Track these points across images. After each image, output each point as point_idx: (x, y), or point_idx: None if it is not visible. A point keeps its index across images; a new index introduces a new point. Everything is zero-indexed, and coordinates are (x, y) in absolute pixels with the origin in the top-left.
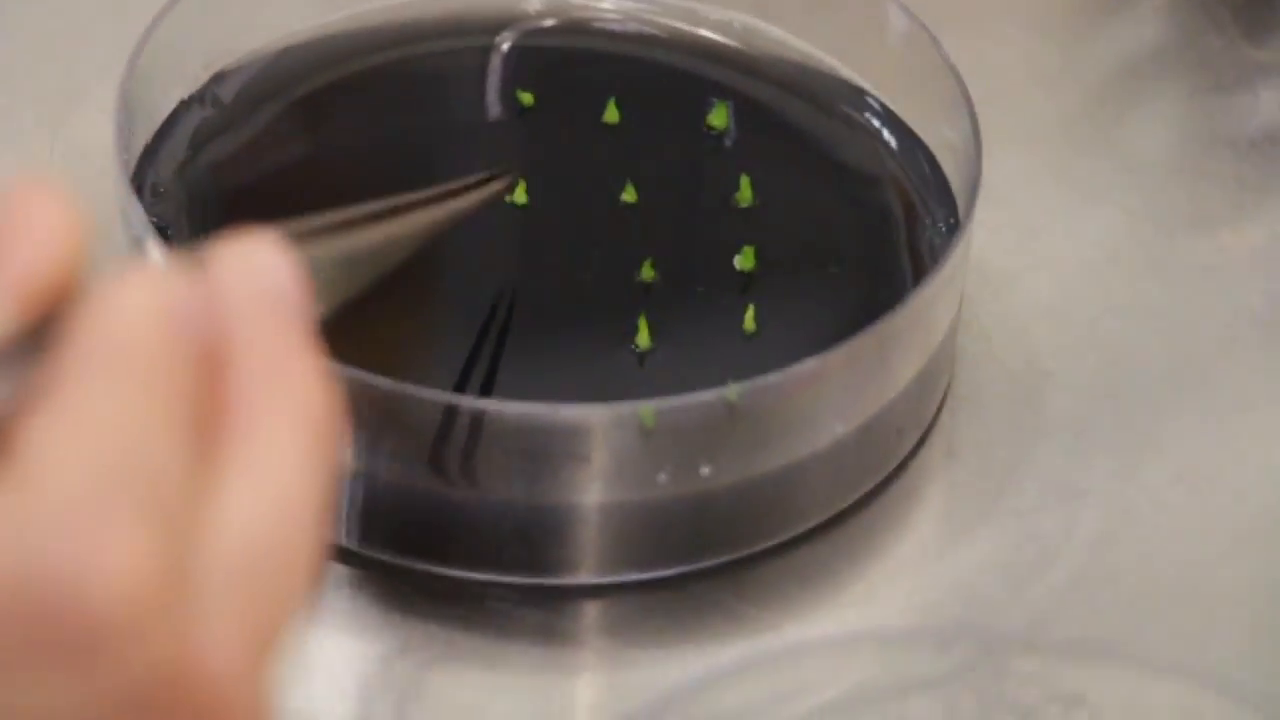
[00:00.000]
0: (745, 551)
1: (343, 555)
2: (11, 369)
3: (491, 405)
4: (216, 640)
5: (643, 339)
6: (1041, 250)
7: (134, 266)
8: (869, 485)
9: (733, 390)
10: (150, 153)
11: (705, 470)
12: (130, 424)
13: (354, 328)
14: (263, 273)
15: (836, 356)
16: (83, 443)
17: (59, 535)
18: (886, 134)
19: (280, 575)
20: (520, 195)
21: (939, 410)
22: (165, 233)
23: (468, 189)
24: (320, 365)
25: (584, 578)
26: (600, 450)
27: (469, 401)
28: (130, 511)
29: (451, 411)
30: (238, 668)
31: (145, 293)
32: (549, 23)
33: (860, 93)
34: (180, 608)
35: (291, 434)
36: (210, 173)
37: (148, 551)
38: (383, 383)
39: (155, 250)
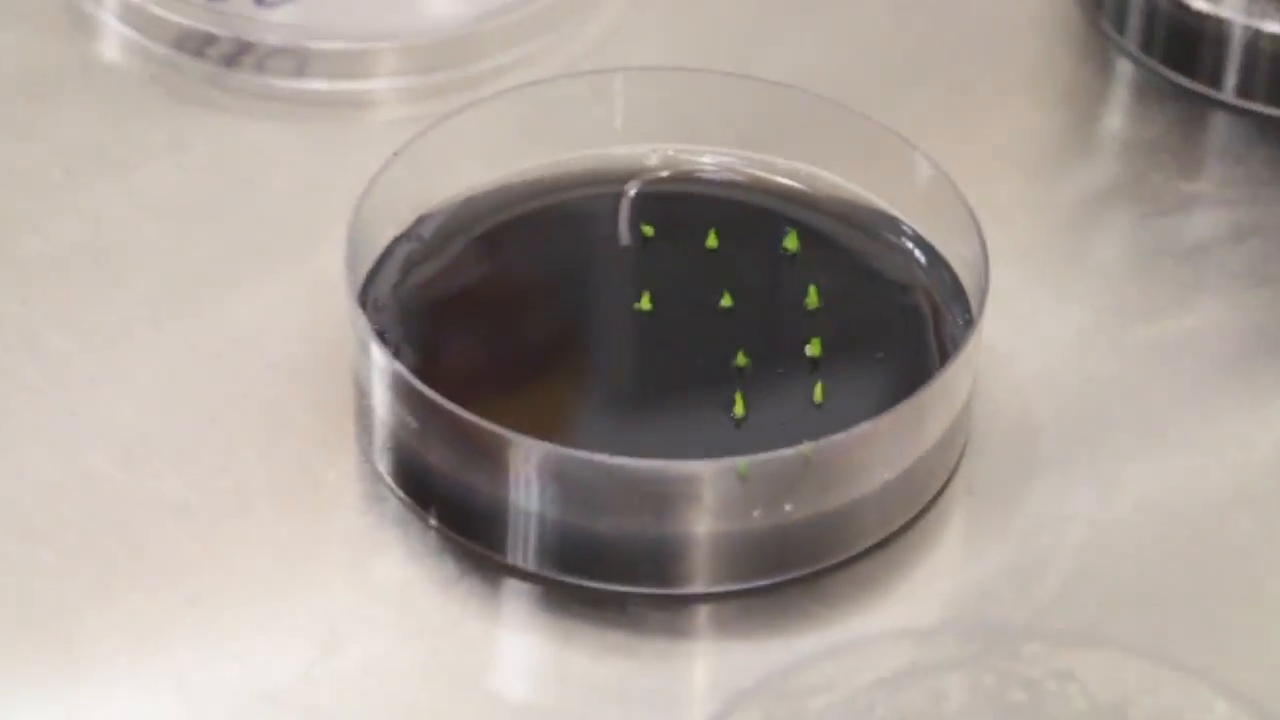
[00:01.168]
0: (817, 567)
1: (521, 574)
2: None
3: (628, 462)
4: None
5: (739, 410)
6: (1033, 337)
7: None
8: (909, 516)
9: (807, 447)
10: (372, 277)
11: (788, 507)
12: None
13: (527, 403)
14: None
15: (884, 421)
16: None
17: None
18: (918, 253)
19: None
20: (645, 303)
21: (960, 458)
22: (383, 336)
23: None
24: None
25: (698, 588)
26: (708, 493)
27: (612, 460)
28: None
29: (599, 468)
30: None
31: None
32: (665, 174)
33: (896, 222)
34: None
35: None
36: (416, 291)
37: None
38: (549, 447)
39: (377, 349)
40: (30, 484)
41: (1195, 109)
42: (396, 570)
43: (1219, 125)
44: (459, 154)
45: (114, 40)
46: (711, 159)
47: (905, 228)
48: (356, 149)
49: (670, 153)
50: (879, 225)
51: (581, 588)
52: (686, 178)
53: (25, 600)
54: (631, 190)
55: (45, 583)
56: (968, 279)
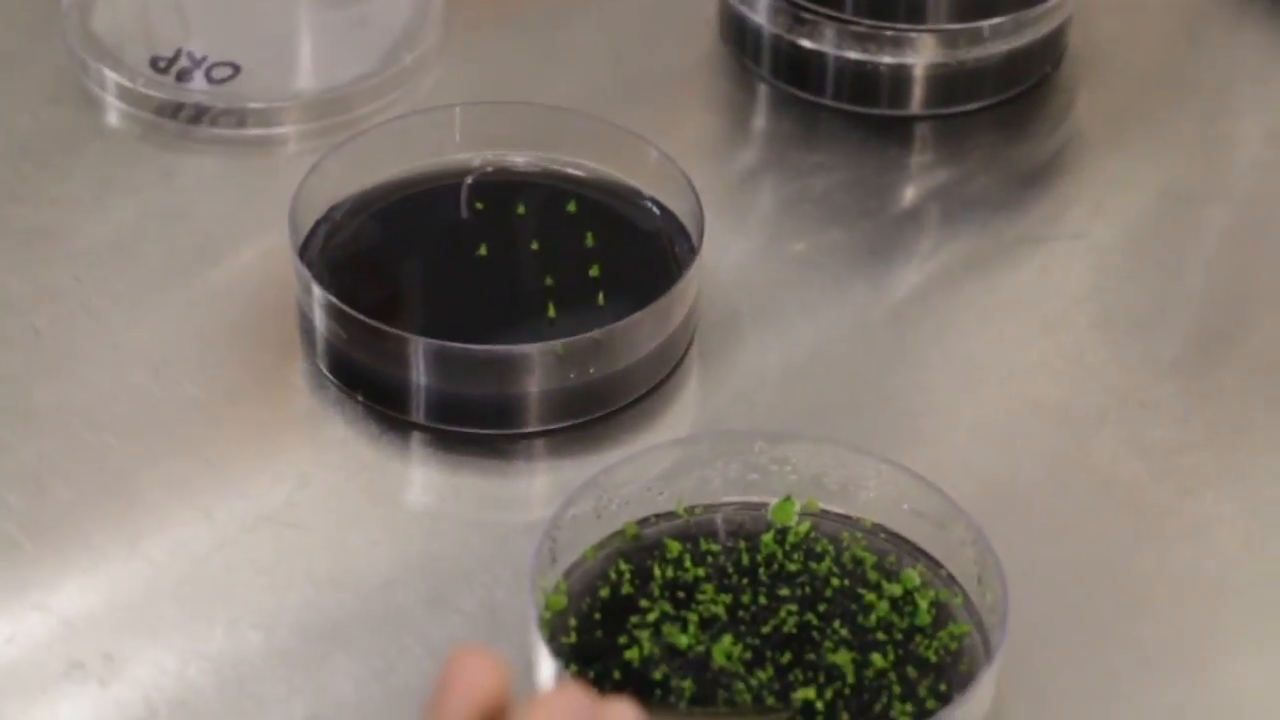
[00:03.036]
0: (612, 408)
1: (420, 428)
2: None
3: (485, 348)
4: None
5: (551, 313)
6: (728, 257)
7: (548, 690)
8: (666, 371)
9: (598, 332)
10: (305, 245)
11: (591, 370)
12: None
13: (413, 316)
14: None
15: (644, 313)
16: None
17: None
18: (655, 209)
19: None
20: (483, 251)
21: (694, 333)
22: (318, 280)
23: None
24: None
25: (536, 428)
26: (538, 366)
27: (474, 347)
28: None
29: (466, 353)
30: None
31: (564, 699)
32: (488, 169)
33: (639, 190)
34: None
35: None
36: (334, 251)
37: None
38: (431, 341)
39: (318, 292)
40: (93, 393)
41: (809, 111)
42: (339, 432)
43: (824, 119)
44: (353, 166)
45: (115, 111)
46: (518, 158)
47: (646, 194)
48: (281, 170)
49: (490, 155)
50: (629, 194)
51: (461, 433)
52: (502, 171)
53: (96, 470)
54: (468, 180)
55: (110, 458)
56: (689, 224)
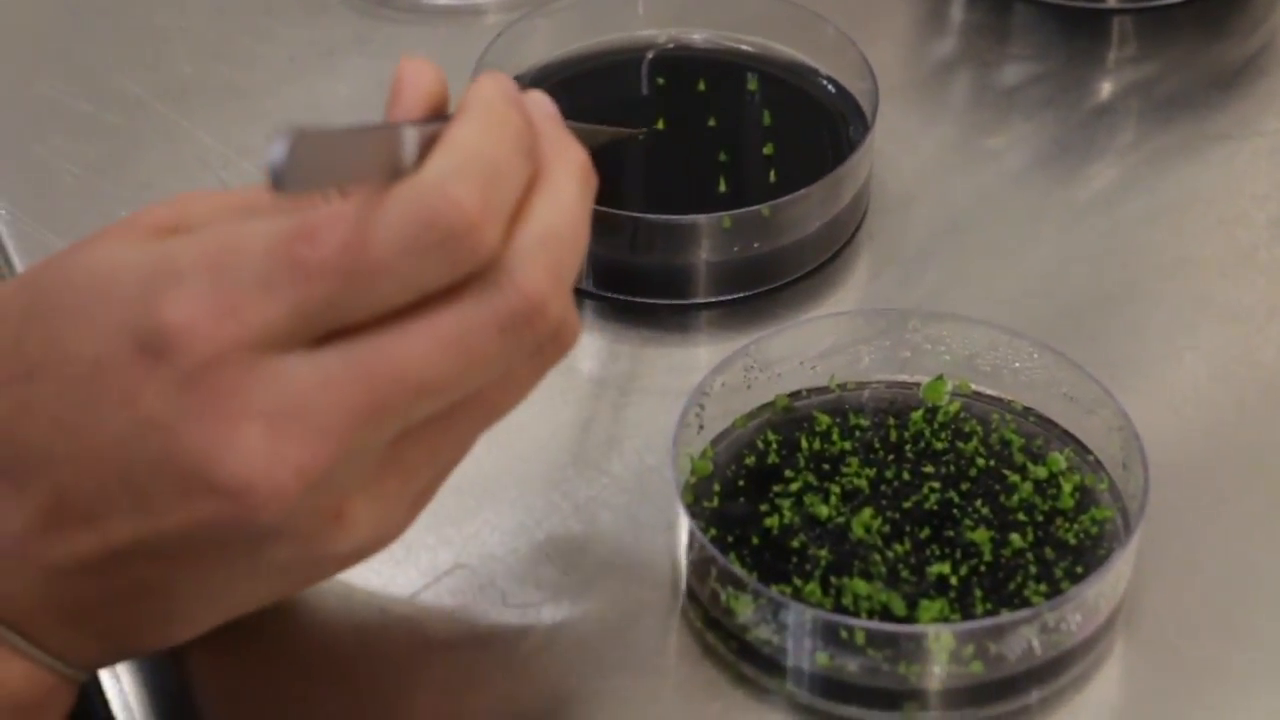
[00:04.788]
0: (775, 284)
1: (589, 295)
2: (424, 131)
3: (656, 217)
4: (531, 273)
5: (722, 187)
6: (908, 144)
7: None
8: (833, 250)
9: (765, 207)
10: None
11: (756, 245)
12: (496, 142)
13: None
14: (546, 103)
15: (814, 188)
16: (472, 146)
17: (445, 192)
18: (831, 88)
19: (566, 246)
20: (661, 124)
21: (864, 215)
22: None
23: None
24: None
25: (700, 299)
26: (705, 237)
27: (645, 215)
28: (490, 186)
29: (638, 221)
30: (548, 290)
31: (497, 80)
32: (670, 46)
33: (816, 70)
34: (510, 254)
35: (572, 176)
36: None
37: (488, 206)
38: (605, 210)
39: None
40: None
41: (1005, 2)
42: None
43: (1020, 11)
44: (538, 38)
45: None
46: (700, 35)
47: (823, 74)
48: (476, 41)
49: (674, 32)
50: (805, 72)
51: (626, 301)
52: (684, 47)
53: None
54: (650, 54)
55: None
56: (865, 104)
